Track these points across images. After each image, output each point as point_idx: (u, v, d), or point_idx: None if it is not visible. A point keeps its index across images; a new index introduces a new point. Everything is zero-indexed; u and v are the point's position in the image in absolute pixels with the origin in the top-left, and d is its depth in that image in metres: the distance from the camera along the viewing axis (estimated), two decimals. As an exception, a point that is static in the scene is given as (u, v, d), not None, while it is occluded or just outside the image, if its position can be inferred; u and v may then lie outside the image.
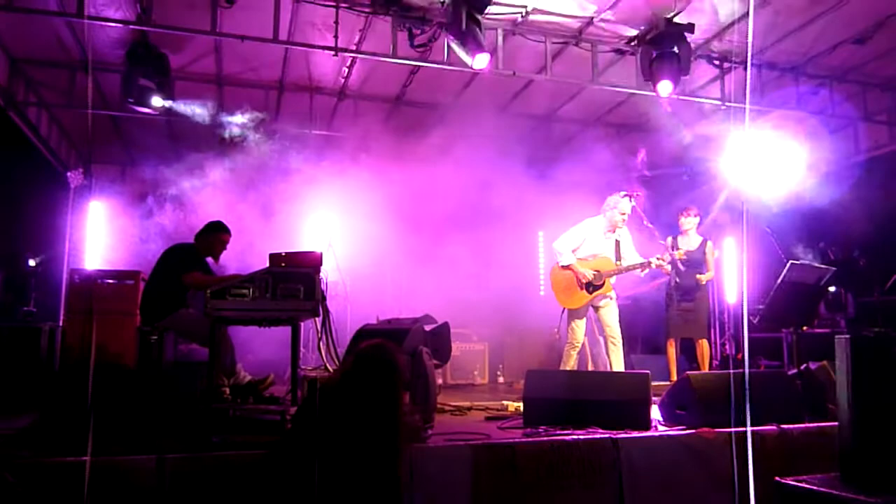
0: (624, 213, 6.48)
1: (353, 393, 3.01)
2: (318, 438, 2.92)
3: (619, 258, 6.50)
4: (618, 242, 6.54)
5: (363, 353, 3.21)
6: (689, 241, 7.22)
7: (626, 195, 6.60)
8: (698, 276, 7.05)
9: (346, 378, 3.13)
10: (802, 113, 7.93)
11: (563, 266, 6.55)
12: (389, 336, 4.39)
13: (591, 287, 6.42)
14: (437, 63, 6.72)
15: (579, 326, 6.54)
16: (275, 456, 3.08)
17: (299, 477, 2.86)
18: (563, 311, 6.67)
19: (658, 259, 6.41)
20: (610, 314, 6.51)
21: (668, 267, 6.86)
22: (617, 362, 6.38)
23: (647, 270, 6.48)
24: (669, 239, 7.08)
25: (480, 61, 6.17)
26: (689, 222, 7.23)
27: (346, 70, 7.70)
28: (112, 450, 3.45)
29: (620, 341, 6.44)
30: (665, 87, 6.62)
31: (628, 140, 9.67)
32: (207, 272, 5.53)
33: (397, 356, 3.16)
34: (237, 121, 7.75)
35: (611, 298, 6.53)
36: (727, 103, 7.55)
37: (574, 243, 6.57)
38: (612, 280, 6.51)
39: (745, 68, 7.20)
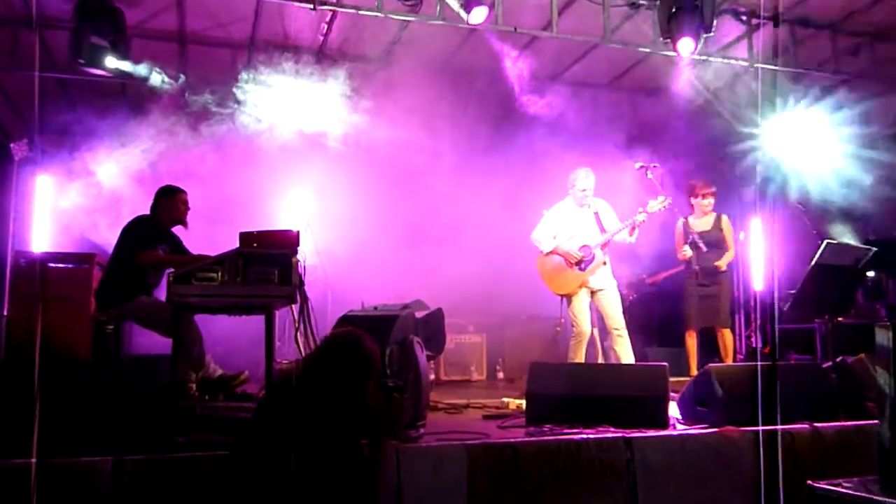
0: (585, 190, 6.66)
1: (316, 383, 3.02)
2: (280, 433, 2.92)
3: (602, 229, 6.65)
4: (596, 214, 6.73)
5: (330, 339, 3.26)
6: (703, 222, 7.20)
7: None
8: (717, 262, 7.04)
9: (310, 367, 3.14)
10: (840, 75, 7.90)
11: (546, 253, 6.70)
12: (376, 324, 4.40)
13: (581, 263, 6.55)
14: (429, 18, 6.66)
15: (581, 312, 6.58)
16: (236, 454, 3.07)
17: (261, 475, 2.85)
18: (561, 301, 6.78)
19: (641, 214, 6.50)
20: (610, 302, 6.58)
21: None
22: (624, 354, 6.44)
23: (636, 232, 6.58)
24: (681, 221, 7.10)
25: (477, 15, 6.13)
26: (705, 204, 7.20)
27: (326, 27, 7.62)
28: (63, 451, 3.43)
29: (625, 331, 6.51)
30: (686, 45, 6.61)
31: (644, 107, 9.62)
32: (176, 245, 5.49)
33: (368, 344, 3.17)
34: (201, 85, 7.69)
35: (607, 270, 6.62)
36: (756, 64, 7.52)
37: (551, 230, 6.78)
38: (605, 257, 6.60)
39: (775, 24, 7.16)
